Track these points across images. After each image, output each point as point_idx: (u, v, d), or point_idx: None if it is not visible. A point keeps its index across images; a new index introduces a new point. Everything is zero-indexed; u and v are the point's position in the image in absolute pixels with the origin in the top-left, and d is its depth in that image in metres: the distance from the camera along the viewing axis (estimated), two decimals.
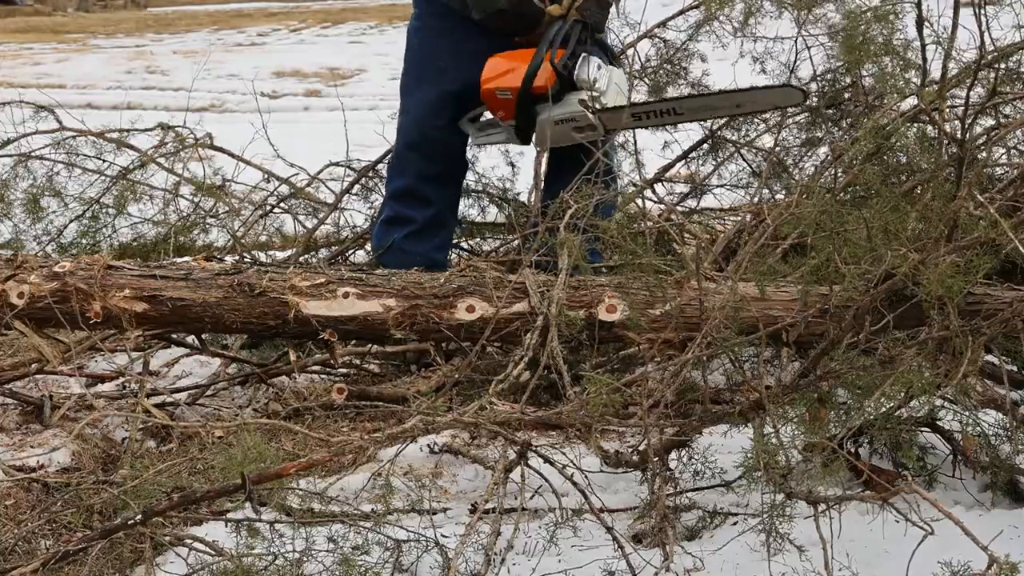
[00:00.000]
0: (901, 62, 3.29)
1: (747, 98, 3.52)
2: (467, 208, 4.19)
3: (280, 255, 4.25)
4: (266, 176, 4.55)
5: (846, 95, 3.96)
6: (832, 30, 3.84)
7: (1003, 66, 2.91)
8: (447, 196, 3.75)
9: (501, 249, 4.08)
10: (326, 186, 4.49)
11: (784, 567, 2.15)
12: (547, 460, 2.37)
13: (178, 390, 3.38)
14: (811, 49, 3.96)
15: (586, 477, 2.40)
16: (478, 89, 3.50)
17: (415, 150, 3.67)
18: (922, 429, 2.58)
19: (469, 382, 3.11)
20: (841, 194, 2.70)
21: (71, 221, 4.45)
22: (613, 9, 3.86)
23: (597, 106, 3.41)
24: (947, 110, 2.68)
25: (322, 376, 3.46)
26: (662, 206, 4.13)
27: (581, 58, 3.42)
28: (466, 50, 3.53)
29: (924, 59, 2.55)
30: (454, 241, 4.02)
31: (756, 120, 4.11)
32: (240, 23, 18.62)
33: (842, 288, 2.46)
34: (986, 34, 2.36)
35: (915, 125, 3.13)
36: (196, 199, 4.49)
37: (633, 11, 4.19)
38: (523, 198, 4.25)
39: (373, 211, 4.30)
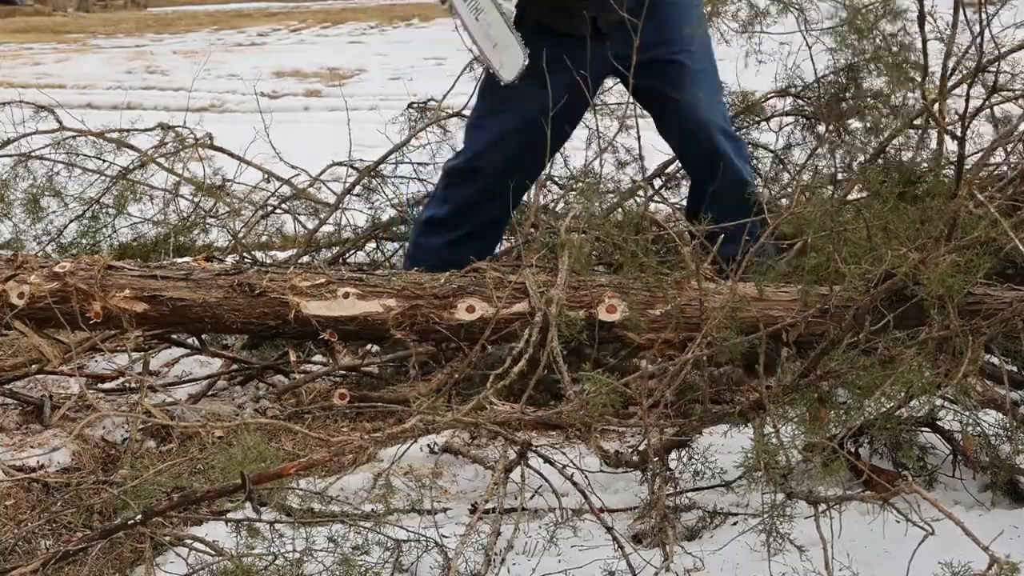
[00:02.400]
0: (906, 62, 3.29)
1: None
2: None
3: (281, 255, 4.25)
4: (266, 176, 4.55)
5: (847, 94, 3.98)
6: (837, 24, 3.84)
7: (1005, 63, 2.91)
8: (502, 210, 3.52)
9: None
10: (327, 186, 4.50)
11: (784, 567, 2.14)
12: (547, 460, 2.37)
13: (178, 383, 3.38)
14: (812, 48, 3.97)
15: (586, 477, 2.40)
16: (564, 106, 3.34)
17: (479, 179, 3.48)
18: (922, 429, 2.57)
19: (469, 382, 3.11)
20: (840, 194, 2.70)
21: (71, 221, 4.46)
22: None
23: None
24: (947, 108, 2.68)
25: (322, 377, 3.45)
26: (664, 206, 4.14)
27: None
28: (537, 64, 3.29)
29: (925, 55, 2.55)
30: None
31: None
32: (240, 23, 18.62)
33: (842, 288, 2.46)
34: (986, 32, 2.35)
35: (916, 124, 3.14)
36: (196, 199, 4.49)
37: None
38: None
39: (374, 211, 4.30)
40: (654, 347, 2.86)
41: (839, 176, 3.82)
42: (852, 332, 2.35)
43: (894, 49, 3.35)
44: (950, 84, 2.63)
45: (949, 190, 2.37)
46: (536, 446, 2.42)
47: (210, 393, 3.36)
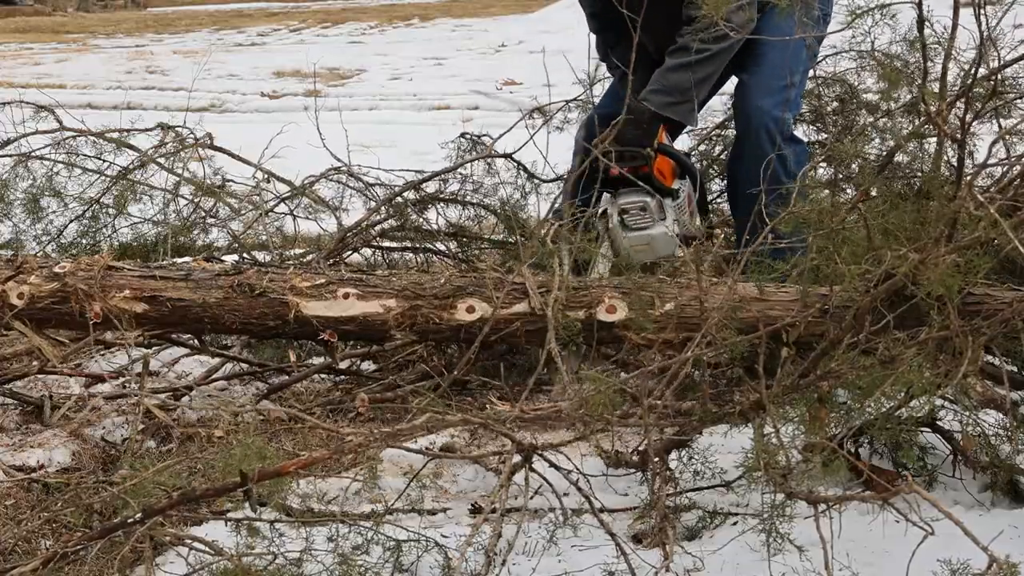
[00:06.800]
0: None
1: None
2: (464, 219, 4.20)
3: (282, 255, 4.24)
4: (266, 176, 4.55)
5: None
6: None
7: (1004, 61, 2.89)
8: None
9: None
10: (327, 187, 4.49)
11: (784, 567, 2.15)
12: (553, 465, 2.36)
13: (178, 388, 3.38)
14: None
15: (587, 480, 2.40)
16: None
17: None
18: (922, 429, 2.57)
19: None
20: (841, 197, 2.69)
21: (71, 221, 4.46)
22: None
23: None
24: (946, 109, 2.67)
25: (322, 377, 3.46)
26: None
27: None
28: None
29: (924, 58, 2.54)
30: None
31: None
32: (240, 23, 18.64)
33: (842, 288, 2.46)
34: (985, 34, 2.35)
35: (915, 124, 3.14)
36: (196, 199, 4.49)
37: None
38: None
39: (373, 211, 4.29)
40: (654, 347, 2.86)
41: (838, 179, 3.82)
42: (852, 332, 2.35)
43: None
44: (951, 90, 2.63)
45: (949, 192, 2.37)
46: (538, 447, 2.41)
47: (209, 394, 3.36)
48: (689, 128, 3.91)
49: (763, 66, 3.50)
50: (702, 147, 4.33)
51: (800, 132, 4.08)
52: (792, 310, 2.71)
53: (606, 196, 3.37)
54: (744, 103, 3.53)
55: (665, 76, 3.37)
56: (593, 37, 3.77)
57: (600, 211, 3.36)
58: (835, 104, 4.15)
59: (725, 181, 4.07)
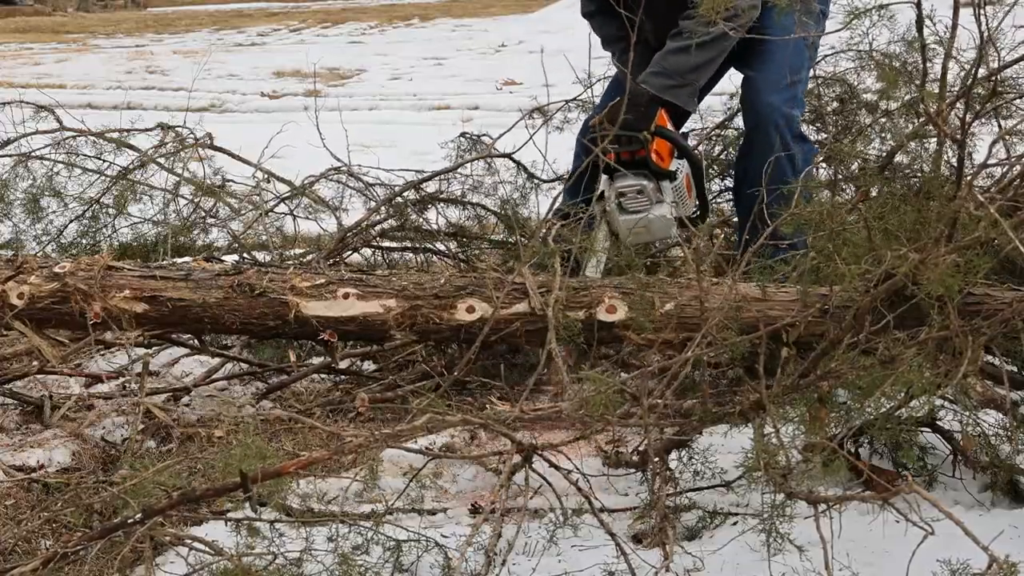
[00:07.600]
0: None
1: None
2: (464, 219, 4.20)
3: (282, 255, 4.24)
4: (266, 176, 4.55)
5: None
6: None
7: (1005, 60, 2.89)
8: None
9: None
10: (327, 187, 4.49)
11: (784, 567, 2.15)
12: (553, 465, 2.36)
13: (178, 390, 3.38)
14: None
15: (587, 480, 2.39)
16: None
17: None
18: (922, 429, 2.57)
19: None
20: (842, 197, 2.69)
21: (71, 221, 4.46)
22: None
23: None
24: (946, 110, 2.67)
25: (322, 377, 3.46)
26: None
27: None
28: None
29: (924, 59, 2.54)
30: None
31: None
32: (240, 23, 18.65)
33: (842, 288, 2.46)
34: (986, 34, 2.35)
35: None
36: (196, 199, 4.49)
37: None
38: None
39: (373, 211, 4.29)
40: (654, 347, 2.86)
41: (839, 179, 3.82)
42: (852, 332, 2.35)
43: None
44: (951, 90, 2.63)
45: (949, 192, 2.37)
46: (538, 447, 2.42)
47: (209, 394, 3.35)
48: (691, 128, 3.90)
49: (770, 63, 3.49)
50: (702, 147, 4.33)
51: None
52: (792, 310, 2.71)
53: (604, 179, 3.36)
54: (754, 100, 3.52)
55: (665, 59, 3.37)
56: (596, 38, 3.77)
57: (598, 194, 3.35)
58: (835, 104, 4.15)
59: (726, 180, 4.06)
